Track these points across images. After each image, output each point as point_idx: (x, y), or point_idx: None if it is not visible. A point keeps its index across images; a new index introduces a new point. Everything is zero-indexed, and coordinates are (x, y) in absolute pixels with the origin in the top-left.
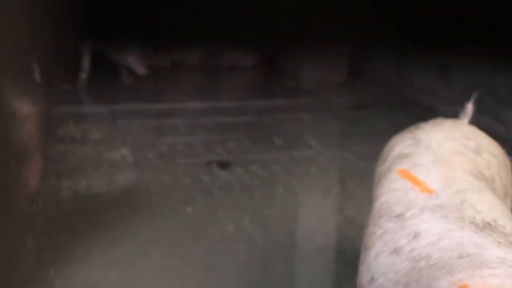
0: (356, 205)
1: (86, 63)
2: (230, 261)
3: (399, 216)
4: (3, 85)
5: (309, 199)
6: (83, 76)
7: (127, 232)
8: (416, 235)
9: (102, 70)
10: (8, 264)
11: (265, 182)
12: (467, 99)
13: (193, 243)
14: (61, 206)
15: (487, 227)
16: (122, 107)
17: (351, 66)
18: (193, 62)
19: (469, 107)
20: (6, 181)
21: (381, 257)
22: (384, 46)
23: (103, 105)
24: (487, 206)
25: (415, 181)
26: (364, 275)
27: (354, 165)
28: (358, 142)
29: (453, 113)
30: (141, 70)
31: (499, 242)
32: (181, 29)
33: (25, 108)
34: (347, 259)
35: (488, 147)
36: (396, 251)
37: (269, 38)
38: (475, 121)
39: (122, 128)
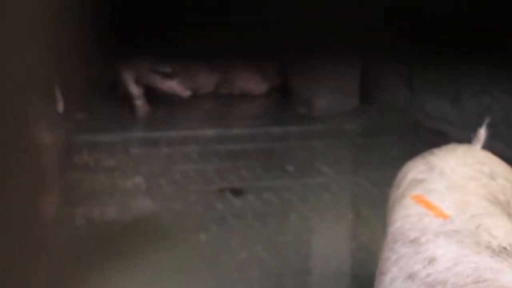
0: (370, 231)
1: (133, 89)
2: None
3: (413, 241)
4: (26, 115)
5: (322, 225)
6: (139, 102)
7: (141, 260)
8: (431, 260)
9: (114, 98)
10: None
11: (278, 209)
12: (479, 125)
13: (207, 271)
14: (75, 233)
15: (503, 252)
16: (134, 135)
17: (363, 92)
18: (207, 89)
19: (482, 133)
20: (25, 211)
21: (396, 283)
22: (395, 70)
23: (115, 134)
24: (502, 231)
25: (429, 206)
26: None
27: (367, 191)
28: (371, 169)
29: (466, 139)
30: (185, 93)
31: None
32: (194, 56)
33: (47, 138)
34: (360, 285)
35: (502, 172)
36: (411, 276)
37: (281, 63)
38: (488, 147)
39: (135, 156)
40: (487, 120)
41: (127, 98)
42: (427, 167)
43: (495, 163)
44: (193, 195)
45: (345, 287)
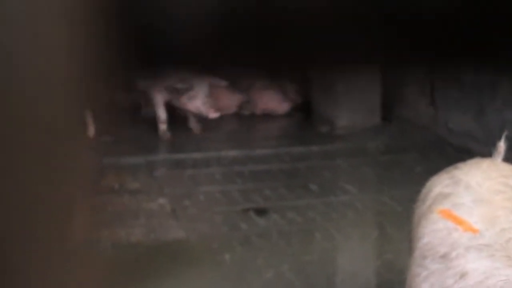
0: (395, 249)
1: (161, 113)
2: None
3: (444, 256)
4: (58, 139)
5: (347, 244)
6: (163, 127)
7: (167, 282)
8: (463, 275)
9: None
10: None
11: (303, 228)
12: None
13: None
14: (101, 256)
15: None
16: (158, 157)
17: (385, 109)
18: (229, 110)
19: (501, 145)
20: (56, 235)
21: None
22: (417, 87)
23: (139, 156)
24: None
25: (457, 221)
26: None
27: (391, 209)
28: (394, 186)
29: (490, 154)
30: (212, 114)
31: None
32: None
33: (80, 162)
34: None
35: None
36: None
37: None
38: (510, 160)
39: (159, 178)
40: (505, 133)
41: (151, 120)
42: (452, 181)
43: None
44: (218, 216)
45: None
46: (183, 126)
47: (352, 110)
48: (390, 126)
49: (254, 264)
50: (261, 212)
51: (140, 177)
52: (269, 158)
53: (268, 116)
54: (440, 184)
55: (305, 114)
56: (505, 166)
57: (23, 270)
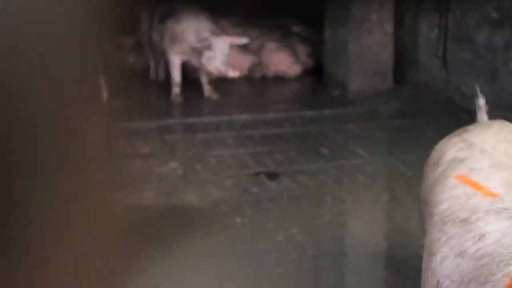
0: (405, 213)
1: (176, 76)
2: (281, 271)
3: (464, 220)
4: (70, 104)
5: (357, 208)
6: (176, 90)
7: (178, 245)
8: (481, 236)
9: (146, 85)
10: (65, 279)
11: (313, 192)
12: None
13: (243, 254)
14: (113, 219)
15: None
16: (169, 121)
17: (397, 73)
18: (241, 73)
19: (482, 101)
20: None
21: (447, 262)
22: (430, 49)
23: (151, 121)
24: None
25: (476, 186)
26: (429, 280)
27: (402, 173)
28: (406, 150)
29: (503, 118)
30: (232, 72)
31: None
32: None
33: (91, 126)
34: (396, 266)
35: None
36: (461, 254)
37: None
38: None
39: (170, 142)
40: (477, 87)
41: (160, 85)
42: (465, 144)
43: None
44: (229, 179)
45: (381, 268)
46: (194, 90)
47: (364, 73)
48: (402, 90)
49: (264, 228)
50: (272, 176)
51: (152, 141)
52: (280, 121)
53: (279, 79)
54: (453, 148)
55: (316, 77)
56: None
57: (44, 232)
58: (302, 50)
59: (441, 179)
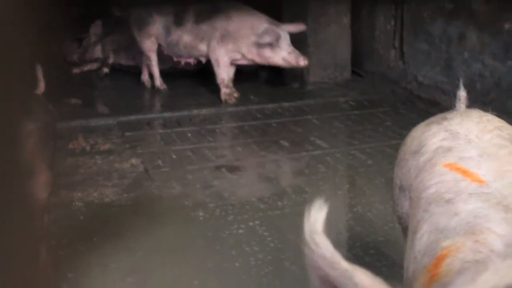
0: (365, 202)
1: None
2: (243, 264)
3: (448, 201)
4: (5, 99)
5: (318, 198)
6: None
7: (141, 240)
8: (454, 215)
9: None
10: (23, 276)
11: (274, 183)
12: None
13: (206, 247)
14: (74, 217)
15: None
16: (128, 118)
17: (355, 65)
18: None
19: (462, 94)
20: (13, 196)
21: (424, 237)
22: (386, 40)
23: (110, 118)
24: None
25: (466, 173)
26: (411, 257)
27: (362, 162)
28: (365, 140)
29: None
30: (302, 61)
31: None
32: None
33: (29, 123)
34: (358, 255)
35: None
36: (434, 230)
37: None
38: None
39: (130, 138)
40: (461, 80)
41: (120, 82)
42: (449, 134)
43: (508, 127)
44: (190, 174)
45: (343, 257)
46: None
47: (323, 66)
48: (360, 81)
49: (226, 221)
50: (233, 169)
51: (112, 138)
52: (241, 115)
53: (237, 72)
54: (436, 137)
55: (276, 70)
56: (493, 117)
57: None
58: None
59: (427, 167)
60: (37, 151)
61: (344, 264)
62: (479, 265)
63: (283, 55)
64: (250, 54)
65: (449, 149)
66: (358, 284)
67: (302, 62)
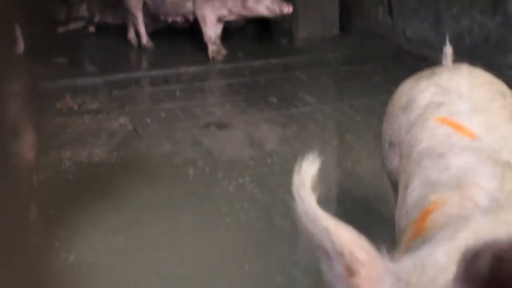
0: (354, 157)
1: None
2: (233, 221)
3: (440, 155)
4: None
5: (307, 154)
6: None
7: (131, 199)
8: (445, 169)
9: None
10: (12, 236)
11: (263, 140)
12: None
13: (196, 205)
14: (64, 176)
15: (506, 166)
16: (116, 77)
17: (343, 20)
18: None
19: (449, 50)
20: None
21: (415, 192)
22: None
23: (97, 77)
24: None
25: (458, 127)
26: (402, 211)
27: (351, 118)
28: (354, 96)
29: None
30: (286, 8)
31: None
32: None
33: (10, 84)
34: (347, 210)
35: (507, 90)
36: (425, 184)
37: None
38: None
39: (118, 97)
40: (447, 36)
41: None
42: (439, 89)
43: (497, 82)
44: (179, 132)
45: (332, 212)
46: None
47: (311, 21)
48: (348, 37)
49: (216, 178)
50: (222, 126)
51: (100, 97)
52: (229, 72)
53: (225, 29)
54: (426, 92)
55: (263, 26)
56: (482, 72)
57: None
58: None
59: (418, 122)
60: (20, 111)
61: (324, 221)
62: (461, 220)
63: (266, 3)
64: (236, 7)
65: (440, 104)
66: (335, 242)
67: (286, 9)
